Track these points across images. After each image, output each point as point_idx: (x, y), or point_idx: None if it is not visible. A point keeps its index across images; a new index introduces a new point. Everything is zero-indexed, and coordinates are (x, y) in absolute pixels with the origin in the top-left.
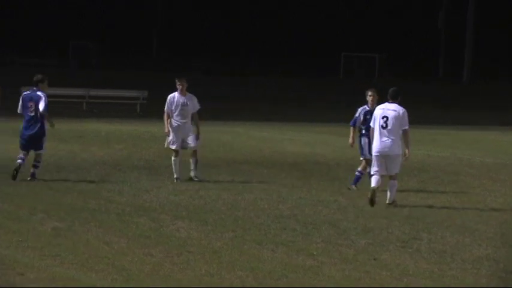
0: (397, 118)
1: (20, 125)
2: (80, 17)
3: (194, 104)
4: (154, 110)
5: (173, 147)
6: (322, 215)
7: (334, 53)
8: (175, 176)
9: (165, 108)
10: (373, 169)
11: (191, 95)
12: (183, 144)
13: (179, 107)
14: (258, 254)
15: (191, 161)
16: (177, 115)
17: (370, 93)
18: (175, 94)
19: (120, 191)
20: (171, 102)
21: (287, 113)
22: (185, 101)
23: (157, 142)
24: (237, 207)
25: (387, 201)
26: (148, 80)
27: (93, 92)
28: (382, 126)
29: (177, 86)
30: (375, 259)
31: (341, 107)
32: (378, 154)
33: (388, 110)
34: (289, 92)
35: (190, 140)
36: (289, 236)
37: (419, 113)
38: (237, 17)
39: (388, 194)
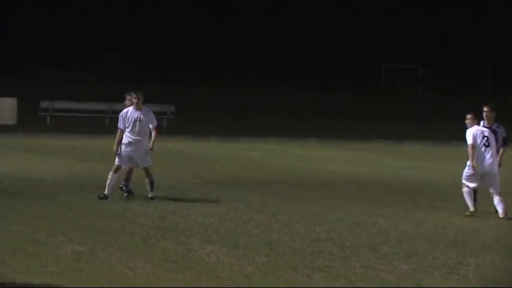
0: (495, 136)
1: None
2: (97, 27)
3: (150, 118)
4: (183, 126)
5: (116, 162)
6: (361, 238)
7: (372, 65)
8: (105, 192)
9: (118, 125)
10: (470, 185)
11: (147, 108)
12: (132, 163)
13: (132, 123)
14: (293, 279)
15: (146, 181)
16: (129, 131)
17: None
18: (129, 109)
19: (145, 212)
20: (124, 118)
21: (321, 129)
22: (139, 115)
23: (186, 160)
24: (270, 230)
25: (501, 216)
26: (170, 93)
27: (117, 107)
28: (484, 144)
29: (133, 100)
30: (418, 286)
31: (379, 123)
32: (479, 172)
33: (486, 128)
34: (324, 107)
35: (140, 159)
36: (326, 260)
37: (464, 129)
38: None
39: (500, 209)
